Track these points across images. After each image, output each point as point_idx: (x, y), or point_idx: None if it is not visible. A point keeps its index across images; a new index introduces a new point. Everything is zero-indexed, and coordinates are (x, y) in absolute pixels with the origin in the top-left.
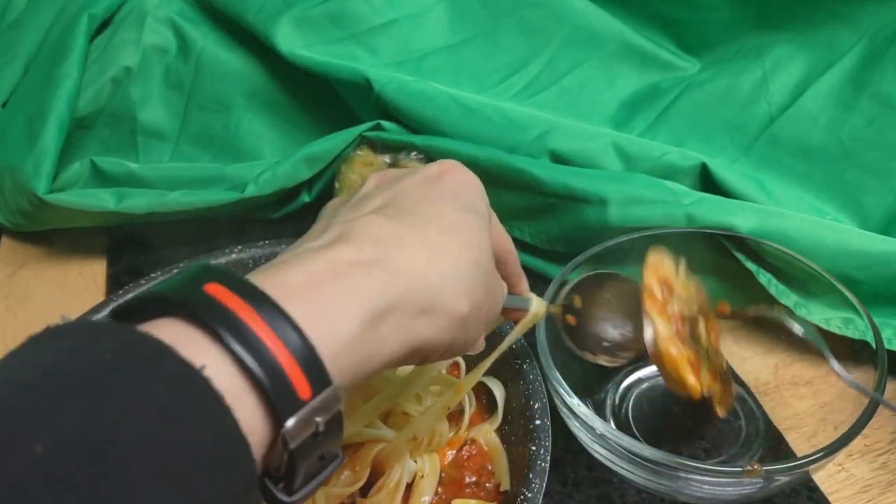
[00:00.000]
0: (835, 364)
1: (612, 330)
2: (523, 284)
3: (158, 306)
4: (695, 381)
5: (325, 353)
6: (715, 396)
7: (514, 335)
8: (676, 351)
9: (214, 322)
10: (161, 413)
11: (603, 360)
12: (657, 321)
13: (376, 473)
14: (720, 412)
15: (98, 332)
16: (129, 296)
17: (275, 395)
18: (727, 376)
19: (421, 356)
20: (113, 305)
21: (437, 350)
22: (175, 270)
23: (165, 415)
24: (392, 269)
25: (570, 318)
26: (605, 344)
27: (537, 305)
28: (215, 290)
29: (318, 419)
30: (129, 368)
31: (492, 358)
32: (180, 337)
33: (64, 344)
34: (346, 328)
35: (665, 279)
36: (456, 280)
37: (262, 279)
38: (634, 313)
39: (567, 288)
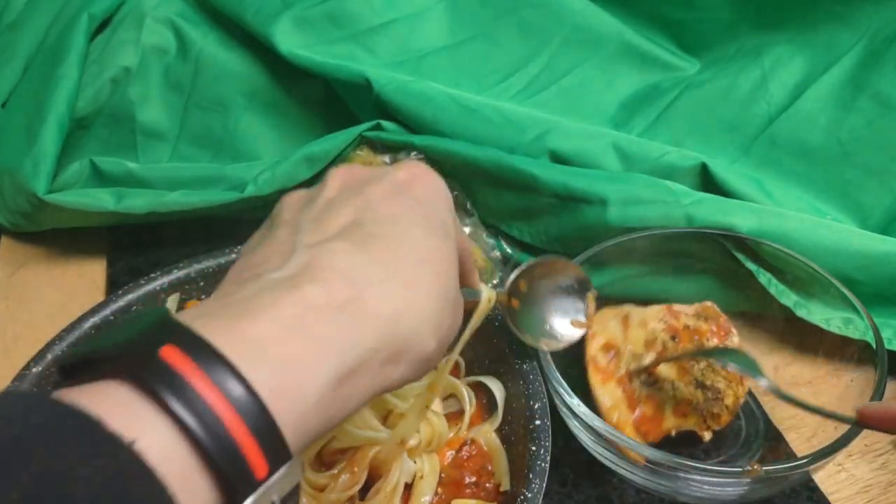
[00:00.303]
0: (763, 382)
1: (553, 313)
2: (475, 277)
3: (109, 364)
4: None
5: (287, 421)
6: (697, 426)
7: (473, 326)
8: (617, 418)
9: (164, 391)
10: (86, 492)
11: (543, 344)
12: (599, 393)
13: (374, 476)
14: (704, 437)
15: (24, 404)
16: (81, 347)
17: (229, 474)
18: (719, 393)
19: (381, 395)
20: (62, 357)
21: (400, 387)
22: (135, 310)
23: (91, 493)
24: (362, 315)
25: (514, 302)
26: (546, 327)
27: (487, 294)
28: (170, 354)
29: (274, 498)
30: (55, 444)
31: (456, 351)
32: (122, 405)
33: None
34: (312, 392)
35: (610, 343)
36: (425, 319)
37: (224, 329)
38: (575, 297)
39: (515, 274)
